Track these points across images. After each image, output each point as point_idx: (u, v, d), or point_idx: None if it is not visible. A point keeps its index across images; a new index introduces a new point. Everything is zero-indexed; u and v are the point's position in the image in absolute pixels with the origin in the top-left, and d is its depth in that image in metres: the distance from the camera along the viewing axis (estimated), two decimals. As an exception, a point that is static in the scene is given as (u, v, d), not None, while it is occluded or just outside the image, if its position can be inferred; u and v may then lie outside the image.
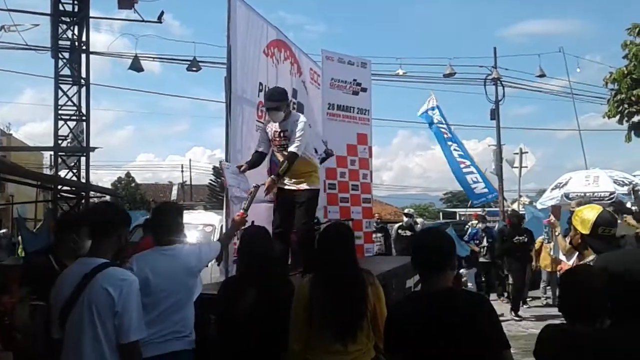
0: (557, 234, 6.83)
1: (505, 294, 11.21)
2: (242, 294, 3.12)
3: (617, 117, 14.65)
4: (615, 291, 2.26)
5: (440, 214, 40.97)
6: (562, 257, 6.81)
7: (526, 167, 16.58)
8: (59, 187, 10.92)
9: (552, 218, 7.79)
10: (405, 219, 12.20)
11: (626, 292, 2.25)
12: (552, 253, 9.14)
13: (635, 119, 14.44)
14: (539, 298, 11.40)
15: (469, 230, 13.02)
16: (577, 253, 5.84)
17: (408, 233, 11.60)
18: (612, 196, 9.89)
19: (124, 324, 2.52)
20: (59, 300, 2.63)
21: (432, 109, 16.47)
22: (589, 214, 3.33)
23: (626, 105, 14.30)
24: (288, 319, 3.03)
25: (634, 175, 11.43)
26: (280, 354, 3.04)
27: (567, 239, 5.95)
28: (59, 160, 11.12)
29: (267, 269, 3.24)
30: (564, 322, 2.29)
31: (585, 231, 3.29)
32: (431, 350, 2.31)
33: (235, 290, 3.20)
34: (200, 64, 14.91)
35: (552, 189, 11.67)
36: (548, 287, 11.16)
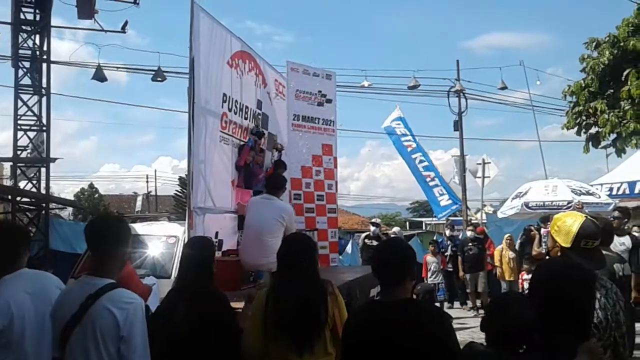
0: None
1: (468, 302, 11.50)
2: (175, 308, 2.98)
3: (576, 128, 15.04)
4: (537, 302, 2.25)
5: (407, 223, 41.41)
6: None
7: (489, 177, 16.91)
8: (18, 198, 10.64)
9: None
10: (372, 228, 12.29)
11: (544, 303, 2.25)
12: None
13: (593, 130, 14.82)
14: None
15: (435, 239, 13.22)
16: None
17: (375, 243, 11.68)
18: (569, 205, 10.17)
19: (129, 350, 2.39)
20: (61, 319, 2.48)
21: (397, 120, 16.68)
22: (570, 222, 2.79)
23: (584, 117, 14.70)
24: (219, 335, 2.93)
25: (591, 185, 11.75)
26: None
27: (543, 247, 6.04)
28: (18, 171, 10.86)
29: (199, 283, 3.06)
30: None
31: (566, 244, 2.76)
32: (383, 359, 2.31)
33: (169, 304, 3.06)
34: (165, 74, 14.79)
35: (513, 199, 11.92)
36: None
